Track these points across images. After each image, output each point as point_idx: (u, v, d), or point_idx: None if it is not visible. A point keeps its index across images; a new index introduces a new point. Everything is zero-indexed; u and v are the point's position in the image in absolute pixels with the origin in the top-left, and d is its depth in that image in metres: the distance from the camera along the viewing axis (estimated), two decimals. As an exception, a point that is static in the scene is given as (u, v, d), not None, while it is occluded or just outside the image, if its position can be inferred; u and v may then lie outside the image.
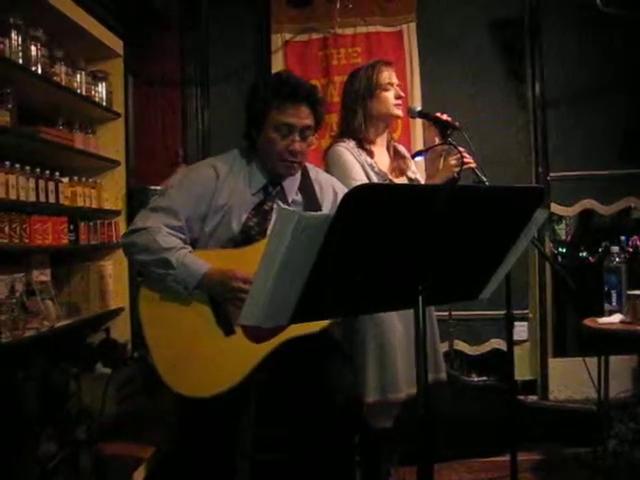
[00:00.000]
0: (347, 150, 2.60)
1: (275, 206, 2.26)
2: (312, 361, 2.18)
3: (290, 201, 2.31)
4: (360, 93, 2.65)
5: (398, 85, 2.69)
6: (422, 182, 2.72)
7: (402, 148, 2.83)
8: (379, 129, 2.69)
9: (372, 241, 1.34)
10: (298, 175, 2.35)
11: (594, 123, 3.89)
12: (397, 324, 2.56)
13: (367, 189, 1.31)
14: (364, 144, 2.64)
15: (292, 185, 2.33)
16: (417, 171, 2.77)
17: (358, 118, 2.65)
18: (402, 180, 2.67)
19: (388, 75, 2.67)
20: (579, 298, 3.82)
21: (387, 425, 2.66)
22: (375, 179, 2.58)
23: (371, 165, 2.61)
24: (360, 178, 2.54)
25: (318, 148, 3.81)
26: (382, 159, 2.69)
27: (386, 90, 2.65)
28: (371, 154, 2.64)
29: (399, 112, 2.68)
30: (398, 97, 2.66)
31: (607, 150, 3.89)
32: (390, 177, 2.65)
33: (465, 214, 1.43)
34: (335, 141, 2.67)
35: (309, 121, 2.22)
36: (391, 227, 1.35)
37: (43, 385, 2.63)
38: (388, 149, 2.74)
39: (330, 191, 2.37)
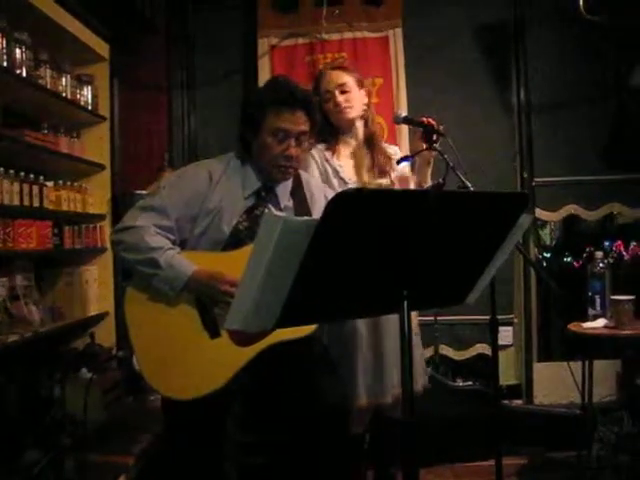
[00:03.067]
0: (312, 158, 2.65)
1: (266, 210, 2.27)
2: (298, 366, 2.19)
3: (282, 206, 2.31)
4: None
5: (341, 85, 2.65)
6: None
7: (392, 149, 2.81)
8: (343, 132, 2.72)
9: (357, 246, 1.34)
10: (290, 180, 2.35)
11: (578, 129, 3.92)
12: (363, 331, 2.60)
13: (352, 194, 1.31)
14: (330, 147, 2.69)
15: (285, 190, 2.33)
16: (395, 180, 2.74)
17: (320, 125, 2.66)
18: (383, 180, 2.66)
19: (323, 84, 2.68)
20: (563, 303, 3.85)
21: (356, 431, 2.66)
22: (336, 185, 2.62)
23: (335, 170, 2.66)
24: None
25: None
26: (358, 161, 2.70)
27: (326, 101, 2.68)
28: (337, 156, 2.68)
29: (342, 117, 2.67)
30: (335, 105, 2.65)
31: (591, 156, 3.92)
32: (363, 179, 2.67)
33: (450, 219, 1.44)
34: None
35: (305, 127, 2.23)
36: (376, 232, 1.35)
37: (27, 390, 2.61)
38: (369, 148, 2.73)
39: (321, 198, 2.38)
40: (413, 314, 2.71)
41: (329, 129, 2.70)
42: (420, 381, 2.70)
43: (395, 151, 2.79)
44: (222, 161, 2.33)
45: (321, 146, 2.69)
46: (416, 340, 2.75)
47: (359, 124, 2.73)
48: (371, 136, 2.75)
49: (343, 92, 2.66)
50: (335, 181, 2.64)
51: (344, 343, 2.60)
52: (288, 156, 2.22)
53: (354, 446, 2.69)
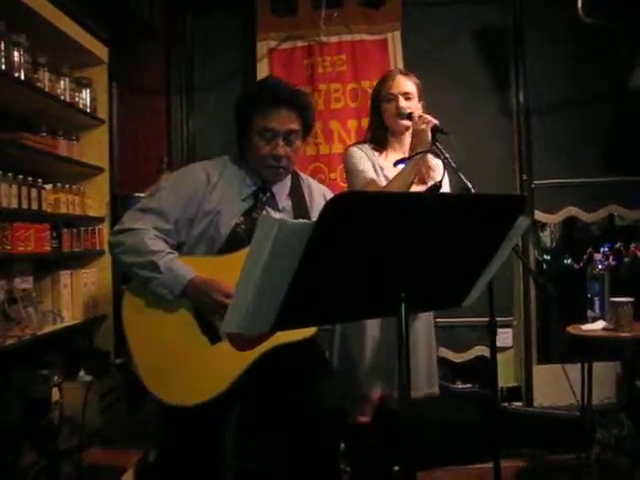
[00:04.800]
0: (360, 150, 2.73)
1: (264, 213, 2.26)
2: (296, 370, 2.18)
3: (281, 207, 2.31)
4: (372, 103, 2.82)
5: (406, 93, 2.70)
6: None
7: (435, 161, 2.76)
8: (393, 135, 2.78)
9: (354, 248, 1.34)
10: (288, 181, 2.35)
11: (577, 131, 3.93)
12: (373, 322, 2.64)
13: (349, 197, 1.31)
14: (378, 148, 2.76)
15: (282, 191, 2.33)
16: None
17: (372, 125, 2.82)
18: (420, 188, 2.68)
19: (389, 85, 2.73)
20: (559, 306, 3.85)
21: (359, 420, 2.72)
22: (382, 179, 2.67)
23: (381, 167, 2.71)
24: (366, 168, 2.67)
25: (303, 155, 3.83)
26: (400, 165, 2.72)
27: (387, 101, 2.73)
28: (384, 157, 2.74)
29: (400, 122, 2.70)
30: (397, 108, 2.68)
31: (590, 158, 3.92)
32: None
33: (447, 222, 1.44)
34: (353, 143, 2.90)
35: (294, 125, 2.22)
36: (373, 235, 1.35)
37: (25, 394, 2.60)
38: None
39: (321, 199, 2.38)
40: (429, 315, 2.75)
41: (382, 130, 2.77)
42: (424, 388, 2.71)
43: (437, 163, 2.75)
44: (219, 163, 2.33)
45: (367, 146, 2.76)
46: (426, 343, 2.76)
47: (408, 133, 2.77)
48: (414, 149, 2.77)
49: (407, 99, 2.71)
50: (382, 177, 2.69)
51: (360, 333, 2.66)
52: (276, 156, 2.22)
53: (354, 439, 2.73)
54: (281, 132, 2.21)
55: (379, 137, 2.78)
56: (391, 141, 2.78)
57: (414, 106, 2.71)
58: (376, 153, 2.75)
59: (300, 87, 2.41)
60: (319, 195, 2.39)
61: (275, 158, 2.22)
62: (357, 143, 2.85)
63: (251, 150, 2.25)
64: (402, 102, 2.69)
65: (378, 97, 2.77)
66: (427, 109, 2.79)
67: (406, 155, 2.74)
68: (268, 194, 2.30)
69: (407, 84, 2.73)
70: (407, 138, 2.78)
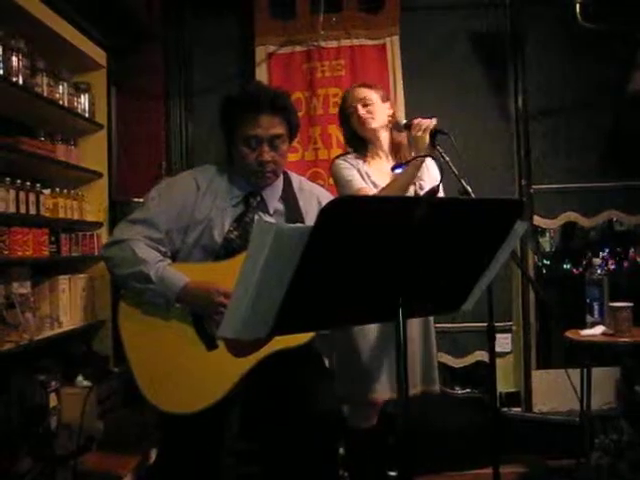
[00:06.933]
0: (344, 161, 2.72)
1: (256, 217, 2.25)
2: (293, 376, 2.17)
3: (272, 211, 2.30)
4: (341, 122, 2.85)
5: (362, 99, 2.72)
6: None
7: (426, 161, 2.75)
8: (370, 142, 2.77)
9: (352, 253, 1.34)
10: (280, 184, 2.34)
11: (576, 136, 3.93)
12: (371, 326, 2.62)
13: (346, 201, 1.31)
14: (360, 157, 2.76)
15: (273, 194, 2.32)
16: (425, 186, 2.75)
17: (347, 140, 2.85)
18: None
19: (349, 99, 2.76)
20: (553, 311, 3.84)
21: (362, 426, 2.70)
22: (371, 186, 2.66)
23: (368, 174, 2.70)
24: (354, 178, 2.66)
25: (302, 160, 3.83)
26: (384, 168, 2.73)
27: (351, 115, 2.75)
28: (368, 164, 2.74)
29: (365, 128, 2.72)
30: (358, 117, 2.71)
31: (590, 163, 3.92)
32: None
33: (445, 226, 1.43)
34: (336, 156, 2.86)
35: (278, 129, 2.21)
36: (371, 239, 1.34)
37: (22, 399, 2.60)
38: (396, 158, 2.77)
39: (314, 201, 2.36)
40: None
41: (358, 142, 2.79)
42: (420, 385, 2.70)
43: (426, 165, 2.72)
44: (208, 171, 2.32)
45: (351, 155, 2.76)
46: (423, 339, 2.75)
47: (384, 135, 2.78)
48: (397, 146, 2.79)
49: (365, 105, 2.73)
50: (369, 184, 2.68)
51: (360, 338, 2.64)
52: (262, 162, 2.21)
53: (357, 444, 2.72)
54: (265, 138, 2.19)
55: (357, 147, 2.79)
56: (370, 147, 2.79)
57: (377, 110, 2.73)
58: (360, 161, 2.74)
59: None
60: (312, 197, 2.37)
61: (261, 164, 2.21)
62: (341, 155, 2.85)
63: (238, 158, 2.25)
64: (360, 110, 2.71)
65: (343, 115, 2.79)
66: (425, 113, 2.77)
67: (388, 157, 2.76)
68: (258, 198, 2.29)
69: (362, 91, 2.75)
70: (385, 140, 2.78)
